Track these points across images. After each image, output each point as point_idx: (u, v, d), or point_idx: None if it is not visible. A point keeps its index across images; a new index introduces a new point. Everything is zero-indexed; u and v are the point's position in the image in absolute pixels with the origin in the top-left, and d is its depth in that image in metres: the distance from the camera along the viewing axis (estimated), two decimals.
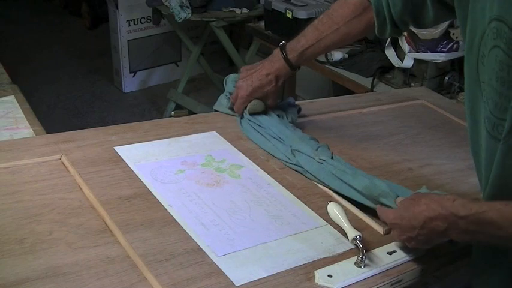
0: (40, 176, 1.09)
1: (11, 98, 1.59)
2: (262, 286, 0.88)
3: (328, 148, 1.20)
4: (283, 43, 1.31)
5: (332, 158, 1.16)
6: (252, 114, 1.31)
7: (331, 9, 1.27)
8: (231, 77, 1.40)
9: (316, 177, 1.15)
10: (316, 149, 1.18)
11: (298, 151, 1.19)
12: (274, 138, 1.25)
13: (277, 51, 1.31)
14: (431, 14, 1.09)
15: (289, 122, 1.31)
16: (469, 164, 1.28)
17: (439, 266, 0.99)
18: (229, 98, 1.37)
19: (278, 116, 1.31)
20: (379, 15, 1.17)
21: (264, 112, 1.32)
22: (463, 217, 0.85)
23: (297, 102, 1.42)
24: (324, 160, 1.15)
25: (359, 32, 1.26)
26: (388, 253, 0.97)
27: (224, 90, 1.41)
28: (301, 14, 2.56)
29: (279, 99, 1.36)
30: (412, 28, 2.08)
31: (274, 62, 1.30)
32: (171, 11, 3.16)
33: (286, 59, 1.29)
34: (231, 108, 1.37)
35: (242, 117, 1.33)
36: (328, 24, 1.26)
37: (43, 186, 1.06)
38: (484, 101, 0.87)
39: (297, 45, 1.29)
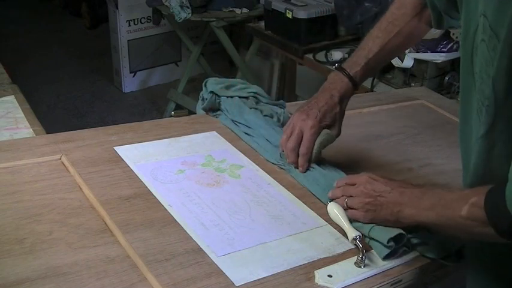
0: (40, 176, 1.09)
1: (11, 98, 1.59)
2: (262, 286, 0.88)
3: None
4: (338, 65, 1.23)
5: (320, 163, 1.16)
6: (322, 149, 1.17)
7: (389, 14, 1.22)
8: (211, 80, 1.40)
9: (301, 182, 1.15)
10: None
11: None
12: (262, 138, 1.25)
13: (333, 74, 1.22)
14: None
15: (277, 122, 1.31)
16: None
17: (439, 266, 0.99)
18: (203, 100, 1.37)
19: (266, 116, 1.31)
20: (434, 8, 1.11)
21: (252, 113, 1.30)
22: (407, 185, 0.94)
23: (297, 102, 1.42)
24: (312, 167, 1.15)
25: (421, 31, 1.22)
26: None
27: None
28: (301, 14, 2.56)
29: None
30: None
31: (335, 84, 1.19)
32: (171, 11, 3.15)
33: (348, 76, 1.19)
34: (204, 109, 1.37)
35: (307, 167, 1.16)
36: (388, 28, 1.21)
37: (43, 186, 1.06)
38: (476, 92, 0.87)
39: (358, 59, 1.21)
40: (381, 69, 2.34)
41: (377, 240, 0.96)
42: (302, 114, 1.15)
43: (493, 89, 0.80)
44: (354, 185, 1.03)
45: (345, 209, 1.02)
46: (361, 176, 1.03)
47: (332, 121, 1.17)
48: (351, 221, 1.00)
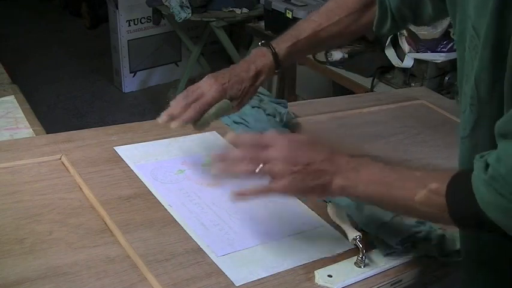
0: (40, 176, 1.09)
1: (11, 98, 1.59)
2: (262, 286, 0.88)
3: None
4: (264, 41, 1.16)
5: None
6: (214, 119, 1.10)
7: (331, 2, 1.19)
8: None
9: None
10: None
11: None
12: None
13: (258, 48, 1.15)
14: (429, 8, 1.05)
15: (279, 122, 1.31)
16: None
17: (439, 266, 0.99)
18: None
19: (268, 115, 1.31)
20: (382, 5, 1.10)
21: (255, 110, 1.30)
22: (341, 154, 0.86)
23: (297, 102, 1.42)
24: None
25: (360, 27, 1.18)
26: (387, 253, 0.97)
27: None
28: (301, 14, 2.56)
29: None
30: (411, 28, 2.07)
31: (257, 58, 1.13)
32: (171, 11, 3.16)
33: (273, 52, 1.12)
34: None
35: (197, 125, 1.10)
36: (326, 15, 1.17)
37: (43, 186, 1.06)
38: (463, 93, 0.87)
39: (287, 38, 1.15)
40: (381, 69, 2.35)
41: (384, 241, 0.96)
42: (211, 78, 1.10)
43: (475, 89, 0.80)
44: (266, 147, 0.87)
45: (252, 173, 0.86)
46: (277, 138, 0.88)
47: (238, 93, 1.10)
48: (351, 219, 1.00)
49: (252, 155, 0.87)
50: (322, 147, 0.88)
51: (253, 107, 1.32)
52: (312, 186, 0.85)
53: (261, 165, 0.85)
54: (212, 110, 1.07)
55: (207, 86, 1.08)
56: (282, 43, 1.14)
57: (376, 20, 1.12)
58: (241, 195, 0.88)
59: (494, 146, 0.74)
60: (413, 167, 0.86)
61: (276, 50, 1.13)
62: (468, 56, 0.83)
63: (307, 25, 1.17)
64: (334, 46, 1.14)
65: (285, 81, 3.48)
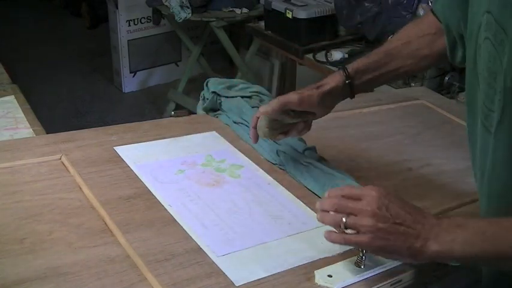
0: (40, 176, 1.09)
1: (11, 98, 1.59)
2: (262, 286, 0.88)
3: (316, 151, 1.20)
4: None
5: (318, 161, 1.16)
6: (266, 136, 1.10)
7: (402, 29, 1.14)
8: (213, 80, 1.40)
9: (299, 180, 1.15)
10: (303, 152, 1.18)
11: (284, 152, 1.19)
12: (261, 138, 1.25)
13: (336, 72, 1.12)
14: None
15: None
16: (469, 164, 1.27)
17: (439, 266, 0.99)
18: (204, 100, 1.37)
19: None
20: (449, 32, 1.02)
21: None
22: (427, 214, 0.82)
23: None
24: (310, 163, 1.15)
25: (432, 53, 1.09)
26: None
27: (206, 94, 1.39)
28: (301, 14, 2.56)
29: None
30: None
31: (329, 79, 1.10)
32: (171, 11, 3.16)
33: (343, 68, 1.10)
34: (205, 109, 1.37)
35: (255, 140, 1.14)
36: (397, 38, 1.12)
37: (43, 186, 1.06)
38: (480, 92, 0.87)
39: (357, 62, 1.12)
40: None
41: None
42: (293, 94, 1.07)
43: (503, 83, 0.79)
44: (356, 199, 0.85)
45: (339, 230, 0.85)
46: (368, 190, 0.84)
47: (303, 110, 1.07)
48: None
49: (339, 206, 0.85)
50: (411, 205, 0.85)
51: (253, 107, 1.32)
52: (398, 249, 0.82)
53: (346, 217, 0.84)
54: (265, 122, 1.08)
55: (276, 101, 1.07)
56: (352, 65, 1.11)
57: (447, 47, 1.04)
58: (329, 239, 0.87)
59: None
60: (507, 219, 0.82)
61: (349, 70, 1.09)
62: (486, 53, 0.82)
63: (378, 51, 1.12)
64: (408, 72, 1.12)
65: (285, 81, 3.49)
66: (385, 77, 1.12)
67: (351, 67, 1.10)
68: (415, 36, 1.10)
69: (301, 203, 1.09)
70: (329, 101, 1.09)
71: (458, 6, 0.95)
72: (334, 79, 1.09)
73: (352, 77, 1.09)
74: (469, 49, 0.90)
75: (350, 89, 1.09)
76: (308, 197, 1.11)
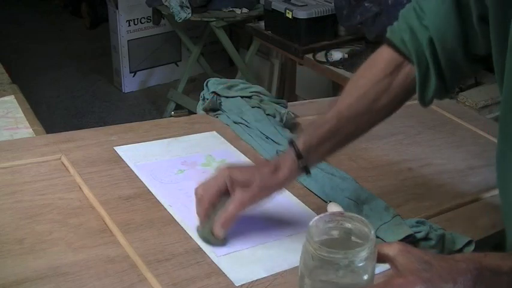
0: (40, 176, 1.09)
1: (11, 98, 1.59)
2: (262, 286, 0.88)
3: None
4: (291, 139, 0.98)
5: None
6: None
7: (355, 75, 1.01)
8: (213, 80, 1.40)
9: (299, 180, 1.15)
10: None
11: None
12: (261, 137, 1.25)
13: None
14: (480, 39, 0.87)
15: (279, 122, 1.31)
16: (469, 164, 1.28)
17: None
18: (204, 100, 1.37)
19: (268, 115, 1.31)
20: (420, 63, 0.92)
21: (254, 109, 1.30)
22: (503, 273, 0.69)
23: (297, 102, 1.42)
24: None
25: (394, 96, 0.98)
26: None
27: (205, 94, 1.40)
28: (301, 14, 2.56)
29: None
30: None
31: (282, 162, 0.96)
32: (171, 11, 3.16)
33: (294, 148, 0.95)
34: (205, 109, 1.37)
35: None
36: (350, 91, 0.98)
37: (43, 186, 1.06)
38: None
39: (309, 129, 0.98)
40: None
41: (384, 241, 0.96)
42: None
43: None
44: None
45: None
46: (407, 276, 0.68)
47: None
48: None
49: None
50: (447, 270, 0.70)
51: (253, 107, 1.32)
52: None
53: None
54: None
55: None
56: (301, 137, 0.97)
57: (417, 82, 0.94)
58: None
59: None
60: None
61: (297, 142, 0.96)
62: None
63: (330, 111, 0.98)
64: (366, 130, 1.02)
65: (285, 81, 3.49)
66: (344, 142, 1.00)
67: (302, 143, 0.95)
68: (371, 83, 0.97)
69: (301, 203, 1.09)
70: (286, 185, 1.00)
71: (456, 18, 0.86)
72: (287, 164, 0.95)
73: (304, 156, 0.95)
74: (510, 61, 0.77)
75: (305, 171, 0.97)
76: (308, 197, 1.11)
